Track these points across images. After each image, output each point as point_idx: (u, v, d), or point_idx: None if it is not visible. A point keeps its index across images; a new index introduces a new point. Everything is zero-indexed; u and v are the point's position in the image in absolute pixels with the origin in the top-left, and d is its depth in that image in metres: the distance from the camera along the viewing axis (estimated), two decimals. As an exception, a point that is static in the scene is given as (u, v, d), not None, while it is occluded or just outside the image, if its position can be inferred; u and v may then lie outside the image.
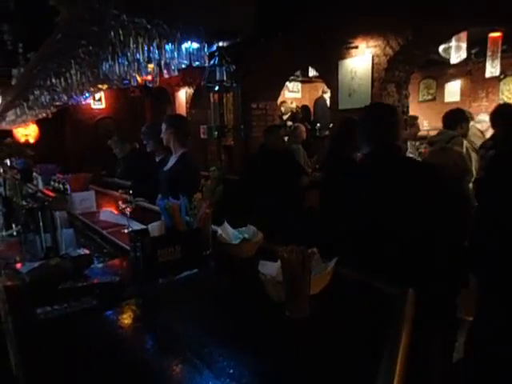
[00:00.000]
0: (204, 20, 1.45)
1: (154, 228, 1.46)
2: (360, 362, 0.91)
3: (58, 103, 3.15)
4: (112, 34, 1.57)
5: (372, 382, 0.81)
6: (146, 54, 1.57)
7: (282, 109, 8.51)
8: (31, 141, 8.64)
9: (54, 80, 2.46)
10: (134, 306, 1.21)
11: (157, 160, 3.41)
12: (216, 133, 1.46)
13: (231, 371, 0.86)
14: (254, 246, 1.60)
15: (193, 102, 7.27)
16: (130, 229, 2.06)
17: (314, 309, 1.08)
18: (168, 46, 1.48)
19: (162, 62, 1.58)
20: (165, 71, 1.64)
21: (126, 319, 1.15)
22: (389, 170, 1.75)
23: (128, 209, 2.01)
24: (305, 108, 9.01)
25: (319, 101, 8.34)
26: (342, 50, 4.36)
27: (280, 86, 6.00)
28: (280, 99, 7.15)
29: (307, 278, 1.05)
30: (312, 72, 7.55)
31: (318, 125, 7.64)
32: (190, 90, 7.28)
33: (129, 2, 1.24)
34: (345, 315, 1.12)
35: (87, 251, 1.50)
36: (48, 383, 0.89)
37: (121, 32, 1.55)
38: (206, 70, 1.51)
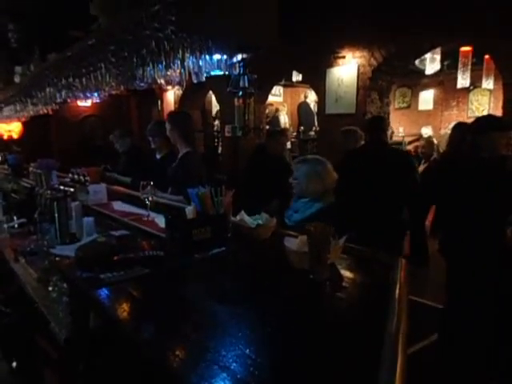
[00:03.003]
0: (232, 34, 1.70)
1: (188, 212, 1.70)
2: (367, 310, 1.19)
3: (59, 100, 3.31)
4: (149, 42, 1.80)
5: (377, 325, 1.08)
6: (178, 62, 1.81)
7: (267, 111, 8.82)
8: (15, 136, 8.57)
9: (72, 79, 2.64)
10: (177, 273, 1.45)
11: (158, 157, 3.58)
12: (240, 132, 1.68)
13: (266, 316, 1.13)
14: (270, 229, 1.86)
15: (181, 102, 7.46)
16: (151, 217, 2.29)
17: (331, 273, 1.36)
18: (202, 57, 1.73)
19: (193, 70, 1.82)
20: (194, 77, 1.87)
21: (175, 282, 1.39)
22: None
23: (149, 198, 2.22)
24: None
25: (303, 105, 8.71)
26: (330, 59, 4.70)
27: (268, 90, 6.29)
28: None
29: (328, 247, 1.32)
30: (295, 77, 7.88)
31: (302, 128, 7.98)
32: (179, 91, 7.46)
33: (182, 19, 1.48)
34: (353, 278, 1.40)
35: (127, 232, 1.72)
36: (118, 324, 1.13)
37: (157, 42, 1.79)
38: (232, 78, 1.76)
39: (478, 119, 2.57)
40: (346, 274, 1.43)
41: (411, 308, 1.17)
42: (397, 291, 1.23)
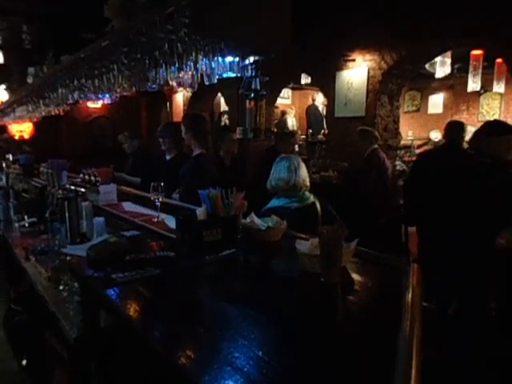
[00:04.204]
0: (246, 37, 1.71)
1: (199, 213, 1.71)
2: (379, 314, 1.18)
3: (71, 101, 3.35)
4: (162, 44, 1.81)
5: (390, 330, 1.07)
6: (191, 64, 1.82)
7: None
8: (26, 137, 8.68)
9: (84, 80, 2.67)
10: (189, 274, 1.46)
11: (168, 158, 3.61)
12: (252, 134, 1.68)
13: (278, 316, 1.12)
14: (280, 231, 1.86)
15: (190, 104, 7.50)
16: (161, 218, 2.30)
17: (342, 276, 1.35)
18: (215, 59, 1.73)
19: (206, 72, 1.83)
20: (206, 79, 1.88)
21: (186, 282, 1.40)
22: None
23: (160, 199, 2.23)
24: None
25: (311, 108, 8.70)
26: (339, 62, 4.69)
27: (277, 93, 6.31)
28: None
29: (340, 251, 1.32)
30: (304, 80, 7.88)
31: (311, 131, 7.98)
32: (188, 93, 7.51)
33: (197, 22, 1.48)
34: (364, 282, 1.39)
35: (137, 232, 1.73)
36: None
37: (170, 44, 1.80)
38: (244, 80, 1.76)
39: (482, 125, 2.61)
40: (358, 277, 1.42)
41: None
42: (409, 296, 1.22)
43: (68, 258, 1.87)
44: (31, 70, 3.84)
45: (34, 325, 2.09)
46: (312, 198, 2.32)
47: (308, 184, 2.30)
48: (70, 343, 1.36)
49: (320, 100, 8.58)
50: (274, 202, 2.31)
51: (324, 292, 1.30)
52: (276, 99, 6.53)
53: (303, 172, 2.28)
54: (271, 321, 1.09)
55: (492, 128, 2.54)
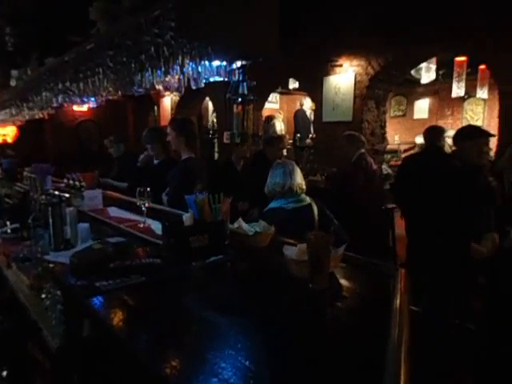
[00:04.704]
0: (233, 41, 1.70)
1: (186, 219, 1.68)
2: (367, 320, 1.17)
3: (55, 105, 3.29)
4: (148, 48, 1.79)
5: (379, 335, 1.06)
6: (177, 68, 1.80)
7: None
8: (9, 141, 8.51)
9: (69, 83, 2.63)
10: (175, 281, 1.43)
11: (155, 163, 3.57)
12: (239, 138, 1.66)
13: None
14: (268, 237, 1.84)
15: (178, 108, 7.46)
16: (147, 223, 2.26)
17: (330, 282, 1.34)
18: (201, 63, 1.72)
19: (192, 76, 1.81)
20: (192, 83, 1.87)
21: (172, 290, 1.37)
22: None
23: (146, 204, 2.20)
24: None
25: (299, 112, 8.74)
26: (327, 67, 4.73)
27: (265, 97, 6.31)
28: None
29: (328, 256, 1.31)
30: (292, 84, 7.92)
31: (298, 135, 8.01)
32: (176, 97, 7.47)
33: (184, 26, 1.47)
34: (353, 287, 1.38)
35: (123, 239, 1.69)
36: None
37: (157, 47, 1.78)
38: (231, 84, 1.75)
39: (457, 130, 2.68)
40: (346, 283, 1.41)
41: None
42: (397, 301, 1.22)
43: (51, 265, 1.82)
44: (14, 72, 3.76)
45: (15, 334, 2.03)
46: (308, 200, 2.37)
47: (304, 187, 2.36)
48: (53, 353, 1.32)
49: (308, 105, 8.63)
50: (272, 204, 2.36)
51: (312, 298, 1.29)
52: (264, 104, 6.53)
53: (298, 176, 2.35)
54: (259, 329, 1.08)
55: (463, 132, 2.60)
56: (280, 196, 2.33)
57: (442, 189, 2.38)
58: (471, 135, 2.53)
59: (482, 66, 5.77)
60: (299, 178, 2.35)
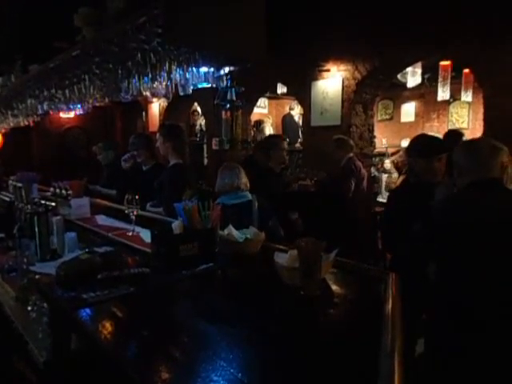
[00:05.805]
0: (221, 47, 1.70)
1: (175, 226, 1.66)
2: (360, 326, 1.17)
3: (41, 112, 3.25)
4: (134, 54, 1.78)
5: (371, 342, 1.06)
6: (164, 75, 1.79)
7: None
8: (-6, 148, 8.35)
9: (54, 90, 2.59)
10: (164, 291, 1.41)
11: (144, 169, 3.53)
12: (228, 144, 1.66)
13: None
14: (258, 243, 1.83)
15: (166, 114, 7.42)
16: (136, 232, 2.23)
17: (322, 289, 1.33)
18: (189, 69, 1.71)
19: (180, 82, 1.80)
20: (180, 89, 1.85)
21: (162, 300, 1.35)
22: None
23: (134, 212, 2.17)
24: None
25: (287, 117, 8.77)
26: (315, 72, 4.75)
27: (254, 102, 6.31)
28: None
29: (319, 263, 1.30)
30: (280, 89, 7.94)
31: (288, 140, 8.01)
32: (164, 103, 7.43)
33: (170, 32, 1.46)
34: (344, 293, 1.38)
35: (111, 248, 1.66)
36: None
37: (143, 54, 1.76)
38: (219, 90, 1.74)
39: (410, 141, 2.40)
40: (337, 289, 1.40)
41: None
42: (389, 306, 1.21)
43: (37, 276, 1.77)
44: (-3, 79, 3.70)
45: (0, 348, 1.98)
46: (250, 196, 2.74)
47: (248, 186, 2.76)
48: (39, 367, 1.28)
49: (297, 110, 8.66)
50: (218, 200, 2.67)
51: (304, 306, 1.28)
52: (252, 109, 6.53)
53: (243, 176, 2.77)
54: (251, 339, 1.06)
55: (415, 148, 2.29)
56: (225, 193, 2.71)
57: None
58: (423, 153, 2.21)
59: (466, 70, 5.87)
60: (244, 178, 2.76)
